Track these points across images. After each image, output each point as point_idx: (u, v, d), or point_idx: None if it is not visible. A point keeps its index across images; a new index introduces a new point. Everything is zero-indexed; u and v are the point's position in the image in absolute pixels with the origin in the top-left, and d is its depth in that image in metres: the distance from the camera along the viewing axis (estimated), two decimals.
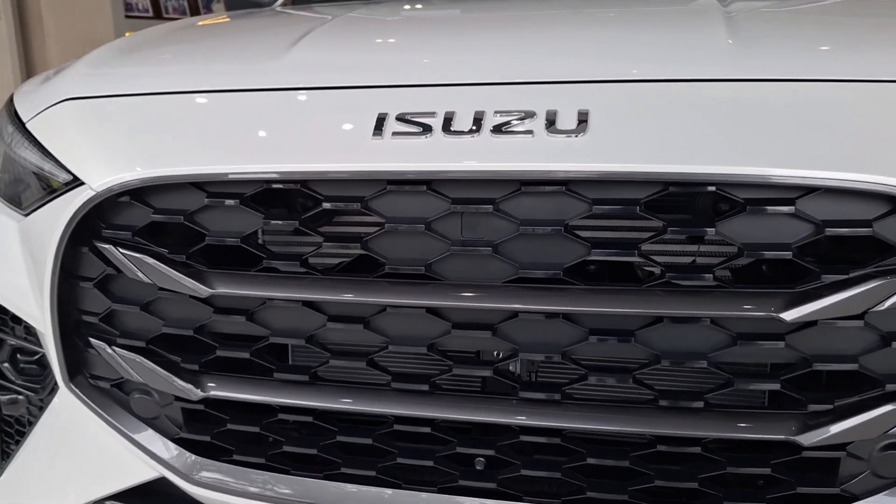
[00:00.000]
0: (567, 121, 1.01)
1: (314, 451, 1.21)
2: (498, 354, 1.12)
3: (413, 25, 1.55)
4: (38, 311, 1.32)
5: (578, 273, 1.06)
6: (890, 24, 1.20)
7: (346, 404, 1.15)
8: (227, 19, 1.91)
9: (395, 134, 1.05)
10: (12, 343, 1.50)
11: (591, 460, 1.08)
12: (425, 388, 1.12)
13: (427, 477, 1.17)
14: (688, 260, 1.06)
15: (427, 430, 1.14)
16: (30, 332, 1.44)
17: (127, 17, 7.25)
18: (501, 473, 1.13)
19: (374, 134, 1.06)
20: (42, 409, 1.45)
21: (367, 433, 1.18)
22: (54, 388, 1.36)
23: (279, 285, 1.11)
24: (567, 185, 1.01)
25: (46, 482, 1.45)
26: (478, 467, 1.15)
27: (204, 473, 1.28)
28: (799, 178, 0.94)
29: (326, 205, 1.09)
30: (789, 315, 0.94)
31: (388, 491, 1.18)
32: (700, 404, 1.02)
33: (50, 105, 1.35)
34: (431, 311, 1.08)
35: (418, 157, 1.04)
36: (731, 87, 1.01)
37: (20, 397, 1.55)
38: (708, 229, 0.97)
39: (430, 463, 1.15)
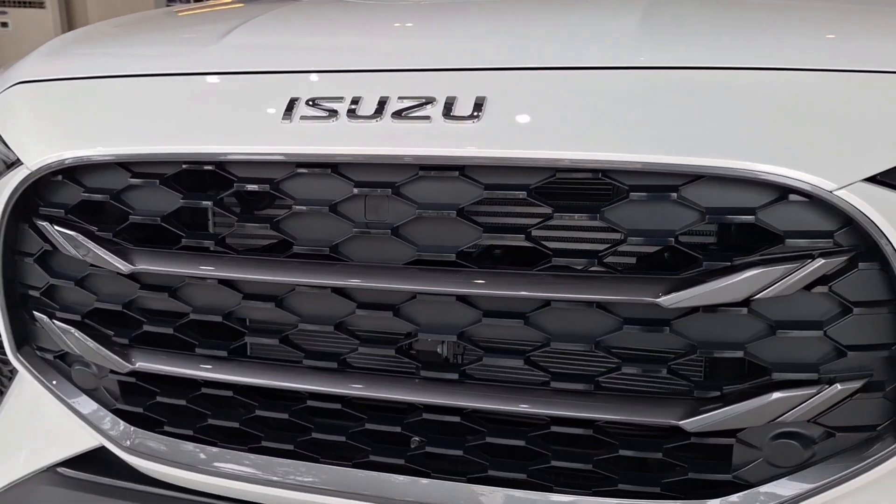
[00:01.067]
0: (464, 107, 1.04)
1: (236, 425, 1.27)
2: (414, 334, 1.16)
3: (344, 13, 1.59)
4: None
5: (483, 256, 1.10)
6: (804, 13, 1.21)
7: (260, 380, 1.21)
8: (225, 7, 1.96)
9: (303, 118, 1.10)
10: None
11: (490, 439, 1.13)
12: (334, 365, 1.17)
13: (341, 452, 1.22)
14: (577, 245, 1.09)
15: (338, 406, 1.20)
16: None
17: (169, 3, 7.38)
18: (409, 450, 1.18)
19: (284, 117, 1.11)
20: (11, 379, 1.53)
21: (285, 409, 1.24)
22: None
23: (194, 263, 1.17)
24: (461, 170, 1.04)
25: (13, 447, 1.54)
26: (412, 445, 1.20)
27: (138, 443, 1.35)
28: (682, 165, 0.96)
29: (239, 186, 1.14)
30: (667, 300, 0.97)
31: (307, 464, 1.24)
32: (589, 387, 1.06)
33: (4, 88, 1.43)
34: (338, 291, 1.13)
35: (324, 141, 1.09)
36: (625, 75, 1.03)
37: None
38: (593, 215, 1.00)
39: (342, 438, 1.21)
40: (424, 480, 1.16)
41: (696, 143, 0.97)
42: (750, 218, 0.96)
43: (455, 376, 1.11)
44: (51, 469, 1.45)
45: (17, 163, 1.31)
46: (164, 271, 1.19)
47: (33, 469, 1.47)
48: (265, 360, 1.23)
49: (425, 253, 1.08)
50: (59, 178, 1.27)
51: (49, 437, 1.47)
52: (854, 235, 0.95)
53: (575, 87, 1.04)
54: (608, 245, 1.02)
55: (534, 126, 1.02)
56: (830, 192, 0.92)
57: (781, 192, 0.96)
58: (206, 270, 1.16)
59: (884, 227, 0.91)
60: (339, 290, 1.13)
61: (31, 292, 1.37)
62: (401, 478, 1.17)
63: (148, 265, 1.20)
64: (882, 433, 0.99)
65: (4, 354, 1.57)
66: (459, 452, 1.14)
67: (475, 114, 1.03)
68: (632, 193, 0.98)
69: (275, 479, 1.23)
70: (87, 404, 1.40)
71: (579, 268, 1.04)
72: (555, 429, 1.09)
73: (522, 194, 1.02)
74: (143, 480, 1.36)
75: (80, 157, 1.21)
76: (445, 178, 1.06)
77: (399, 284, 1.08)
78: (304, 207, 1.11)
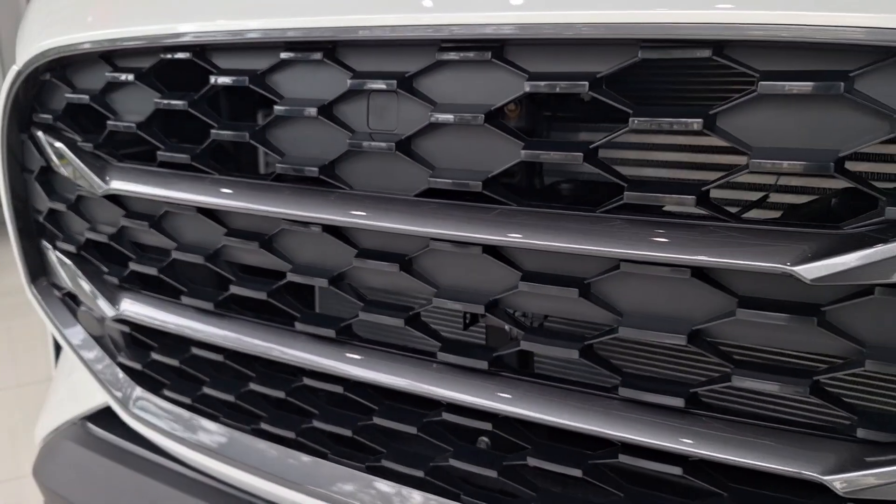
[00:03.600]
0: None
1: (233, 398, 1.03)
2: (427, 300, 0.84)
3: None
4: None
5: (525, 187, 0.77)
6: None
7: (248, 340, 0.95)
8: None
9: None
10: None
11: (532, 461, 0.79)
12: (332, 333, 0.89)
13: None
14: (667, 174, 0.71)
15: (339, 389, 0.92)
16: None
17: None
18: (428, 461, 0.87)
19: None
20: None
21: (283, 384, 0.98)
22: None
23: (165, 184, 0.93)
24: (498, 50, 0.71)
25: (60, 390, 1.44)
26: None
27: (139, 404, 1.17)
28: (851, 28, 0.56)
29: (216, 79, 0.88)
30: (811, 270, 0.58)
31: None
32: (680, 402, 0.69)
33: None
34: (332, 231, 0.84)
35: (311, 9, 0.79)
36: None
37: None
38: (697, 123, 0.62)
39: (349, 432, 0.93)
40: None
41: None
42: None
43: (484, 365, 0.79)
44: (79, 422, 1.32)
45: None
46: (133, 193, 0.96)
47: (65, 420, 1.34)
48: (260, 319, 0.97)
49: (440, 179, 0.75)
50: (48, 76, 1.08)
51: (81, 387, 1.34)
52: None
53: None
54: (718, 174, 0.64)
55: None
56: None
57: None
58: (173, 194, 0.91)
59: None
60: (334, 231, 0.84)
61: (37, 216, 1.21)
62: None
63: (120, 184, 0.98)
64: None
65: None
66: (493, 473, 0.82)
67: None
68: (762, 83, 0.60)
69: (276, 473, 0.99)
70: (93, 352, 1.24)
71: (670, 212, 0.67)
72: (624, 459, 0.74)
73: (585, 86, 0.66)
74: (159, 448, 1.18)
75: (57, 47, 1.00)
76: (475, 65, 0.72)
77: (403, 224, 0.76)
78: (286, 109, 0.82)
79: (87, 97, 1.01)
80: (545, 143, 0.70)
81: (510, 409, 0.76)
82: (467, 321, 0.89)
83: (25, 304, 1.29)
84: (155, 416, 1.14)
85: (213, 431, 1.08)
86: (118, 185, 0.98)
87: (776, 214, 0.75)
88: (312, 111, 0.80)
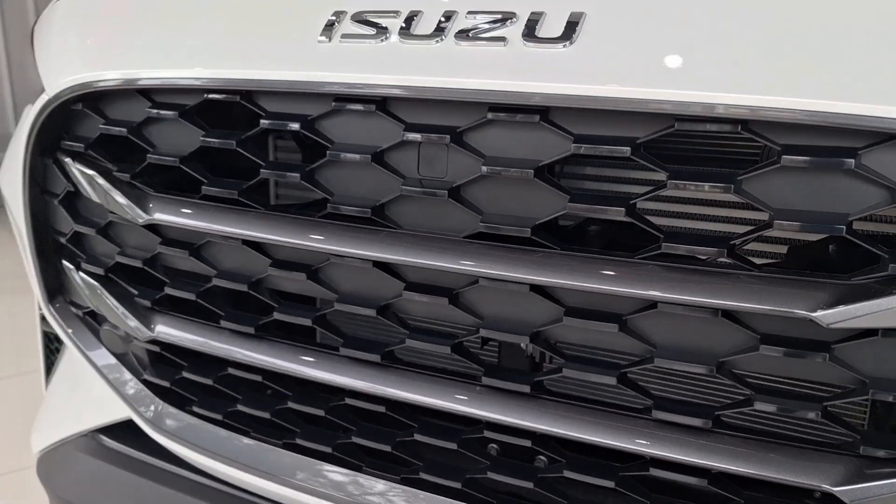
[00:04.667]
0: (553, 27, 0.79)
1: (268, 415, 1.12)
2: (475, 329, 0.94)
3: None
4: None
5: (569, 233, 0.87)
6: None
7: (289, 365, 1.04)
8: None
9: (345, 37, 0.90)
10: None
11: (569, 473, 0.91)
12: (377, 358, 0.98)
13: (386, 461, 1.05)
14: (699, 227, 0.83)
15: (381, 409, 1.02)
16: None
17: None
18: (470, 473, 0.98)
19: (322, 35, 0.91)
20: None
21: (322, 403, 1.08)
22: None
23: (211, 217, 1.01)
24: (545, 113, 0.81)
25: (63, 404, 1.50)
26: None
27: (165, 420, 1.24)
28: (867, 117, 0.68)
29: (268, 124, 0.96)
30: (829, 316, 0.70)
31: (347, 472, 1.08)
32: (707, 423, 0.81)
33: (48, 8, 1.33)
34: (381, 266, 0.94)
35: (368, 67, 0.88)
36: None
37: None
38: (727, 186, 0.74)
39: (388, 448, 1.03)
40: None
41: (892, 85, 0.68)
42: None
43: (527, 388, 0.90)
44: (91, 435, 1.39)
45: (43, 90, 1.21)
46: (179, 224, 1.04)
47: (75, 432, 1.40)
48: (296, 343, 1.06)
49: (492, 224, 0.86)
50: (80, 106, 1.14)
51: (93, 400, 1.40)
52: None
53: (707, 3, 0.77)
54: (746, 230, 0.76)
55: (647, 55, 0.76)
56: None
57: None
58: (223, 227, 0.99)
59: None
60: (383, 266, 0.94)
61: (60, 238, 1.27)
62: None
63: (164, 216, 1.05)
64: None
65: None
66: (530, 484, 0.93)
67: (567, 35, 0.79)
68: (785, 157, 0.71)
69: (310, 484, 1.08)
70: (115, 369, 1.31)
71: (701, 259, 0.79)
72: (655, 472, 0.86)
73: (627, 151, 0.77)
74: (179, 462, 1.25)
75: (92, 81, 1.07)
76: (522, 124, 0.83)
77: (452, 264, 0.86)
78: (339, 154, 0.91)
79: (124, 129, 1.08)
80: (590, 197, 0.81)
81: (552, 429, 0.87)
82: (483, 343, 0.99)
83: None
84: (181, 430, 1.22)
85: (242, 444, 1.16)
86: (160, 215, 1.05)
87: (781, 252, 0.87)
88: (367, 157, 0.89)
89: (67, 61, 1.13)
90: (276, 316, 1.03)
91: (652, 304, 0.80)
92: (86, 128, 1.16)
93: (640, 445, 0.84)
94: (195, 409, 1.20)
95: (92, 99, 1.13)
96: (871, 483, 0.74)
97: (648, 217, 0.79)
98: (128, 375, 1.29)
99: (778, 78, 0.70)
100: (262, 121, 0.96)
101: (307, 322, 1.01)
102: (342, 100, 0.90)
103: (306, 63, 0.90)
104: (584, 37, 0.78)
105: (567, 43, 0.78)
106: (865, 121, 0.67)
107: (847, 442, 0.77)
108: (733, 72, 0.72)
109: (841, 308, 0.70)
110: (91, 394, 1.40)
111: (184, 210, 1.04)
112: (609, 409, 0.87)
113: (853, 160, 0.69)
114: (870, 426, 0.89)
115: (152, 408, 1.25)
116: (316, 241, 0.93)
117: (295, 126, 0.93)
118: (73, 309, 1.33)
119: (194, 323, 1.13)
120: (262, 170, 0.97)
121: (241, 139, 0.98)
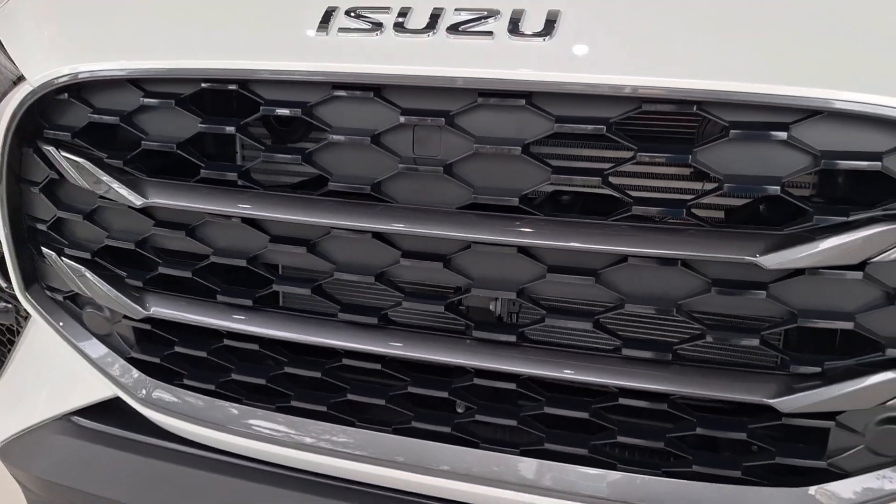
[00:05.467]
0: (533, 22, 0.94)
1: (263, 382, 1.23)
2: (466, 289, 1.08)
3: None
4: None
5: (550, 202, 1.02)
6: None
7: (289, 333, 1.15)
8: None
9: (342, 30, 1.02)
10: None
11: (549, 409, 1.07)
12: (374, 320, 1.11)
13: (379, 416, 1.18)
14: (662, 194, 1.00)
15: (377, 366, 1.15)
16: None
17: None
18: (456, 417, 1.13)
19: (319, 29, 1.02)
20: (27, 318, 1.51)
21: (317, 366, 1.19)
22: None
23: (215, 198, 1.11)
24: (528, 97, 0.95)
25: (26, 392, 1.53)
26: (458, 409, 1.15)
27: (154, 394, 1.32)
28: (797, 97, 0.86)
29: (267, 110, 1.07)
30: (769, 260, 0.88)
31: (341, 428, 1.20)
32: (667, 356, 0.98)
33: None
34: (379, 237, 1.07)
35: (365, 58, 1.00)
36: None
37: (10, 306, 1.63)
38: (684, 157, 0.91)
39: (381, 401, 1.16)
40: (472, 451, 1.11)
41: (815, 71, 0.86)
42: (875, 165, 0.86)
43: (512, 338, 1.05)
44: (65, 417, 1.44)
45: (21, 79, 1.25)
46: (180, 206, 1.13)
47: (47, 416, 1.45)
48: (295, 311, 1.18)
49: (482, 196, 1.00)
50: (65, 96, 1.20)
51: (64, 384, 1.45)
52: None
53: (668, 4, 0.94)
54: (699, 193, 0.93)
55: (616, 46, 0.92)
56: None
57: None
58: (228, 207, 1.09)
59: None
60: (380, 236, 1.07)
61: (38, 225, 1.32)
62: (446, 447, 1.12)
63: (162, 199, 1.14)
64: None
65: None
66: (513, 423, 1.09)
67: (547, 30, 0.94)
68: (732, 131, 0.89)
69: (304, 441, 1.20)
70: (99, 350, 1.37)
71: (663, 219, 0.95)
72: (623, 401, 1.03)
73: (601, 129, 0.93)
74: (161, 434, 1.34)
75: (86, 73, 1.14)
76: (508, 108, 0.97)
77: (451, 231, 1.00)
78: (341, 137, 1.03)
79: (116, 118, 1.15)
80: (570, 170, 0.96)
81: (536, 371, 1.03)
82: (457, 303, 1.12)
83: None
84: (170, 404, 1.30)
85: (233, 412, 1.26)
86: (159, 198, 1.14)
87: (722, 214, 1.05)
88: (366, 140, 1.02)
89: (56, 51, 1.18)
90: (277, 288, 1.14)
91: (623, 258, 0.96)
92: (70, 117, 1.22)
93: (611, 379, 1.00)
94: (186, 381, 1.29)
95: (77, 88, 1.19)
96: (799, 395, 0.93)
97: (621, 187, 0.96)
98: (113, 356, 1.36)
99: (726, 66, 0.87)
100: (263, 108, 1.06)
101: (306, 292, 1.12)
102: (342, 87, 1.02)
103: (308, 54, 1.02)
104: (561, 31, 0.93)
105: (547, 37, 0.93)
106: (794, 100, 0.86)
107: (778, 364, 0.96)
108: (690, 61, 0.88)
109: (779, 253, 0.88)
110: (62, 379, 1.45)
111: (180, 192, 1.13)
112: (584, 352, 1.03)
113: (785, 133, 0.87)
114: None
115: (140, 384, 1.33)
116: (323, 217, 1.04)
117: (296, 112, 1.04)
118: (50, 294, 1.38)
119: (189, 300, 1.22)
120: (263, 152, 1.08)
121: (241, 125, 1.08)
